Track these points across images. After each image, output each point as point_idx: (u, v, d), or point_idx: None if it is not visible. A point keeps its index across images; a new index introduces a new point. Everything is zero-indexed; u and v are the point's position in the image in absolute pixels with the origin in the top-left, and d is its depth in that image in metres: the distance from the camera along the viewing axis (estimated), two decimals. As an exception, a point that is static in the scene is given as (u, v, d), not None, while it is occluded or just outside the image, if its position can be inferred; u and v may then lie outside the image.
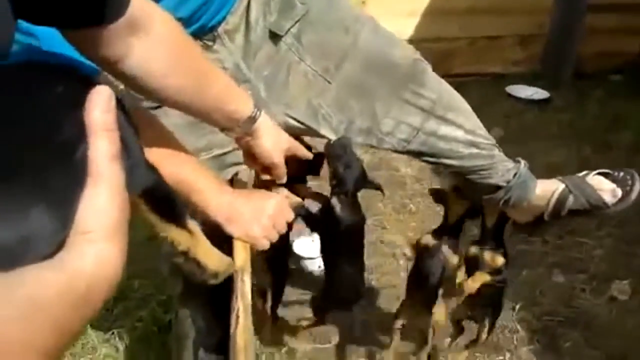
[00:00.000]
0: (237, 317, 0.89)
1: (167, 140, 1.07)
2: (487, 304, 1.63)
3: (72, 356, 1.85)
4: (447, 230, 1.59)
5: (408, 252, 2.09)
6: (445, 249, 1.57)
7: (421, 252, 1.60)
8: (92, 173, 0.43)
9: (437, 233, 1.60)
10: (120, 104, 0.58)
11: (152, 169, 0.62)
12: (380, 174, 2.77)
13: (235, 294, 0.94)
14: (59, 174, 0.43)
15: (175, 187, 1.08)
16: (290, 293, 2.14)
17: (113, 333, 1.95)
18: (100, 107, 0.45)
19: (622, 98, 3.39)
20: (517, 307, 2.02)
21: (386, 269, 2.26)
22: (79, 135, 0.44)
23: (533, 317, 1.99)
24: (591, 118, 3.25)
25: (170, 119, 1.25)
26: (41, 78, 0.54)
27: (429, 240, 1.59)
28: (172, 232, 0.67)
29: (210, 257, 0.72)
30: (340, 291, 1.43)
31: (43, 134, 0.46)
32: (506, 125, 3.20)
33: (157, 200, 0.63)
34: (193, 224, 0.69)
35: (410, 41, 3.78)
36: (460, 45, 3.70)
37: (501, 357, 1.83)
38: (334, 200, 1.33)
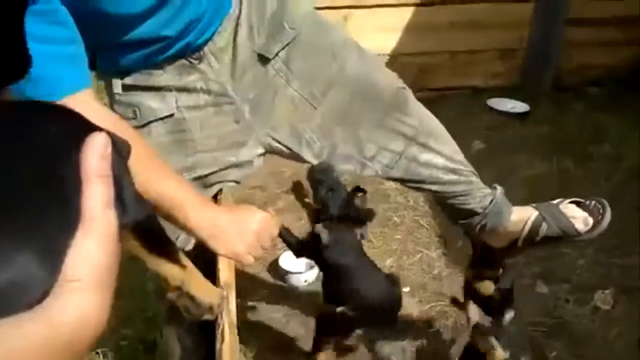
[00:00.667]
0: (223, 333, 0.89)
1: (150, 158, 1.07)
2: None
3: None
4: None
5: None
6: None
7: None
8: (85, 219, 0.43)
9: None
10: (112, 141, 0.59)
11: (143, 202, 0.63)
12: (364, 188, 2.79)
13: (221, 311, 0.94)
14: (52, 219, 0.43)
15: (157, 204, 1.08)
16: (277, 310, 2.15)
17: (97, 353, 1.92)
18: (96, 153, 0.45)
19: (601, 110, 3.45)
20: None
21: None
22: (75, 180, 0.44)
23: (516, 330, 2.00)
24: (571, 130, 3.30)
25: (154, 138, 1.25)
26: (40, 113, 0.54)
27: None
28: (164, 267, 0.66)
29: (204, 290, 0.70)
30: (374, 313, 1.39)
31: (40, 174, 0.45)
32: (487, 139, 3.24)
33: (147, 234, 0.63)
34: (185, 258, 0.68)
35: (392, 56, 3.86)
36: (441, 60, 3.75)
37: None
38: (320, 227, 1.32)
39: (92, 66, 1.19)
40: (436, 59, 3.74)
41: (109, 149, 0.47)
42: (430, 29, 3.61)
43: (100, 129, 0.51)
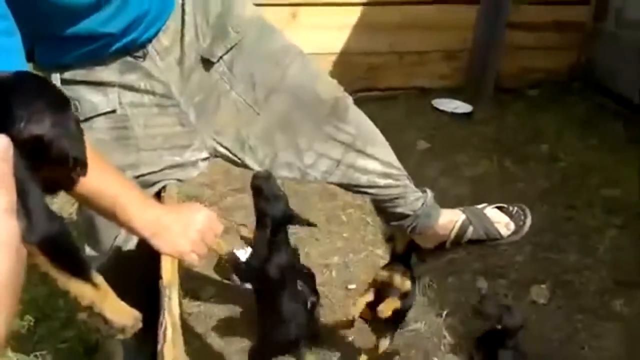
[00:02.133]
0: (165, 333, 0.88)
1: (91, 155, 1.05)
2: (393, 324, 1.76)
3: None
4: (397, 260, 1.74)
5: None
6: (397, 277, 1.70)
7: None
8: None
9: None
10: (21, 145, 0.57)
11: (54, 217, 0.60)
12: (312, 186, 2.80)
13: (163, 310, 0.93)
14: None
15: (99, 202, 1.06)
16: (223, 309, 2.13)
17: (36, 356, 1.87)
18: None
19: (540, 111, 3.59)
20: (444, 313, 2.09)
21: (319, 280, 2.28)
22: None
23: (459, 323, 2.06)
24: (511, 131, 3.42)
25: (95, 134, 1.22)
26: None
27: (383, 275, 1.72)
28: (75, 286, 0.63)
29: (117, 311, 0.67)
30: (280, 335, 1.41)
31: None
32: (432, 138, 3.31)
33: (57, 251, 0.60)
34: (99, 277, 0.65)
35: (340, 54, 3.87)
36: (389, 60, 3.80)
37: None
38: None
39: (30, 59, 1.16)
40: (384, 59, 3.78)
41: (10, 153, 0.45)
42: (379, 29, 3.66)
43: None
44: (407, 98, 3.73)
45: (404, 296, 1.70)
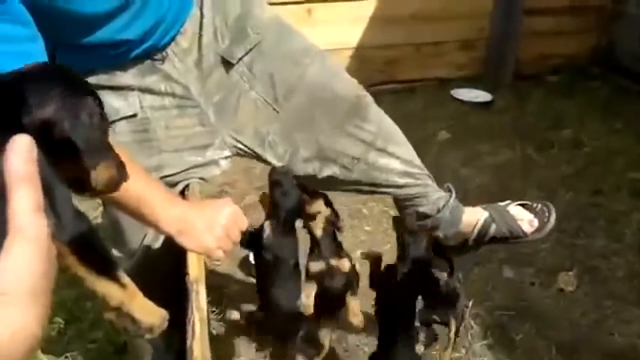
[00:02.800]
0: (193, 328, 0.89)
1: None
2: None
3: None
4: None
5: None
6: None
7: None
8: (12, 227, 0.40)
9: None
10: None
11: (81, 216, 0.59)
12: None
13: (191, 306, 0.94)
14: None
15: (124, 201, 1.07)
16: (248, 306, 2.14)
17: (67, 357, 1.90)
18: (20, 156, 0.43)
19: (561, 98, 3.54)
20: (470, 304, 2.07)
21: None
22: None
23: (486, 313, 2.05)
24: (532, 118, 3.38)
25: (117, 137, 1.24)
26: None
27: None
28: (103, 286, 0.62)
29: (145, 311, 0.67)
30: (276, 322, 1.45)
31: None
32: (452, 128, 3.29)
33: (86, 250, 0.60)
34: (126, 277, 0.65)
35: (357, 49, 3.87)
36: (405, 52, 3.78)
37: (457, 354, 1.87)
38: (266, 224, 1.36)
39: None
40: (400, 52, 3.77)
41: (34, 151, 0.44)
42: (394, 21, 3.64)
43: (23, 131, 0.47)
44: (425, 89, 3.71)
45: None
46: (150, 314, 0.68)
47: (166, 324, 0.70)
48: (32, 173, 0.43)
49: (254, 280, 2.23)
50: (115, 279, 0.64)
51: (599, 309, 2.05)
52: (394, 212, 2.61)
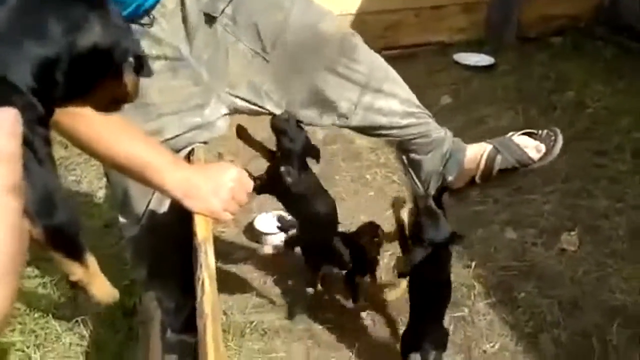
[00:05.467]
0: (203, 286, 0.91)
1: (118, 121, 1.07)
2: None
3: (36, 347, 1.84)
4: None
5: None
6: None
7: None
8: None
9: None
10: (40, 120, 0.55)
11: (62, 202, 0.60)
12: (336, 147, 2.81)
13: (200, 265, 0.96)
14: None
15: (130, 166, 1.09)
16: (254, 271, 2.18)
17: (77, 321, 1.94)
18: (2, 132, 0.42)
19: (564, 59, 3.52)
20: (473, 264, 2.10)
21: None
22: None
23: (489, 273, 2.07)
24: (535, 80, 3.36)
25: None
26: None
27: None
28: (66, 265, 0.67)
29: (100, 289, 0.72)
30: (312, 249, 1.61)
31: None
32: (455, 93, 3.28)
33: (58, 238, 0.62)
34: (91, 259, 0.69)
35: (357, 15, 3.82)
36: (405, 17, 3.74)
37: (460, 313, 1.91)
38: (284, 170, 1.43)
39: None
40: (401, 17, 3.73)
41: (19, 127, 0.43)
42: (392, -15, 3.60)
43: (18, 108, 0.46)
44: (427, 54, 3.69)
45: None
46: (103, 293, 0.73)
47: (114, 300, 0.76)
48: (12, 151, 0.42)
49: (259, 246, 2.28)
50: (79, 261, 0.68)
51: (600, 268, 2.08)
52: (397, 177, 2.65)
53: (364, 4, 3.63)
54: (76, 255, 0.67)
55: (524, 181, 2.45)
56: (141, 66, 0.69)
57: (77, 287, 0.71)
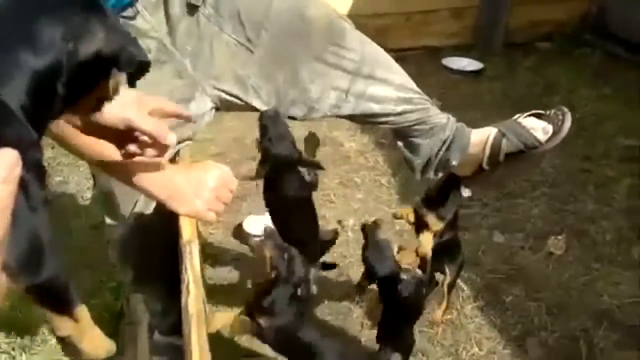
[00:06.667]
0: (188, 287, 0.90)
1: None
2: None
3: (22, 349, 1.81)
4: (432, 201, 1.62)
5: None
6: (430, 217, 1.61)
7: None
8: None
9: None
10: (34, 149, 0.50)
11: (52, 256, 0.55)
12: (325, 150, 2.81)
13: (185, 266, 0.95)
14: None
15: (114, 167, 1.07)
16: (243, 273, 2.17)
17: (64, 323, 1.92)
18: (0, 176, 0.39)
19: (551, 65, 3.54)
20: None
21: (337, 242, 2.30)
22: None
23: (477, 276, 2.08)
24: (523, 86, 3.38)
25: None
26: None
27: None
28: (56, 321, 0.62)
29: (92, 344, 0.67)
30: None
31: None
32: (443, 97, 3.27)
33: (47, 294, 0.58)
34: (83, 312, 0.64)
35: (347, 17, 3.80)
36: (395, 21, 3.76)
37: (448, 316, 1.91)
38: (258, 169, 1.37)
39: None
40: (391, 20, 3.74)
41: (17, 172, 0.40)
42: (384, -11, 3.61)
43: (11, 144, 0.42)
44: (416, 58, 3.70)
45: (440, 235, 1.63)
46: (96, 347, 0.67)
47: (110, 355, 0.70)
48: (5, 199, 0.39)
49: (247, 248, 2.27)
50: (68, 314, 0.63)
51: (587, 272, 2.09)
52: (386, 180, 2.65)
53: (355, 7, 3.63)
54: (65, 309, 0.63)
55: (512, 185, 2.46)
56: (144, 71, 0.64)
57: (65, 343, 0.66)
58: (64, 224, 2.37)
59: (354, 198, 2.57)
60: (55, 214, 2.44)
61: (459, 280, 2.04)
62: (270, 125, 1.31)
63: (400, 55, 3.63)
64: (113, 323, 1.92)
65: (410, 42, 3.80)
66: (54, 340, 1.87)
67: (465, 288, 2.03)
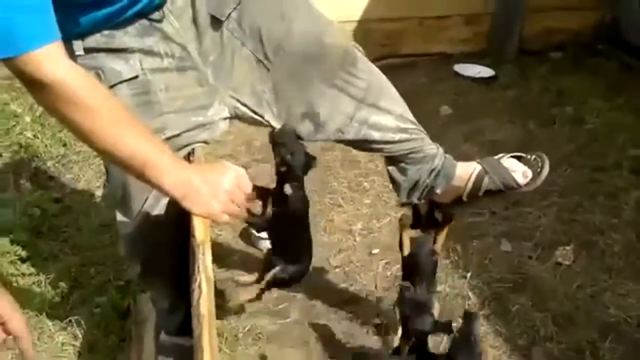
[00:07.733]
0: (200, 287, 0.91)
1: (124, 116, 1.08)
2: None
3: (29, 345, 1.83)
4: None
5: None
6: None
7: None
8: None
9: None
10: None
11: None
12: (335, 154, 2.82)
13: (197, 266, 0.96)
14: None
15: (130, 163, 1.09)
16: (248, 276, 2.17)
17: (70, 321, 1.93)
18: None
19: (564, 74, 3.53)
20: (468, 275, 2.10)
21: (343, 246, 2.32)
22: None
23: (484, 285, 2.07)
24: (535, 94, 3.37)
25: (120, 99, 1.25)
26: None
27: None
28: None
29: None
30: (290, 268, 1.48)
31: None
32: (454, 104, 3.29)
33: None
34: None
35: (359, 22, 3.84)
36: (408, 26, 3.75)
37: (454, 324, 1.90)
38: (287, 187, 1.36)
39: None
40: (403, 25, 3.74)
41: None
42: (397, -6, 3.61)
43: None
44: (428, 64, 3.70)
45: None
46: None
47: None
48: None
49: (255, 250, 2.27)
50: None
51: (595, 283, 2.08)
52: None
53: (367, 11, 3.64)
54: None
55: (520, 195, 2.45)
56: None
57: None
58: (73, 222, 2.40)
59: (362, 203, 2.57)
60: (65, 212, 2.46)
61: (465, 288, 2.05)
62: (286, 141, 1.34)
63: (412, 61, 3.69)
64: (120, 322, 1.93)
65: (422, 47, 3.79)
66: (60, 338, 1.89)
67: (471, 296, 2.03)
